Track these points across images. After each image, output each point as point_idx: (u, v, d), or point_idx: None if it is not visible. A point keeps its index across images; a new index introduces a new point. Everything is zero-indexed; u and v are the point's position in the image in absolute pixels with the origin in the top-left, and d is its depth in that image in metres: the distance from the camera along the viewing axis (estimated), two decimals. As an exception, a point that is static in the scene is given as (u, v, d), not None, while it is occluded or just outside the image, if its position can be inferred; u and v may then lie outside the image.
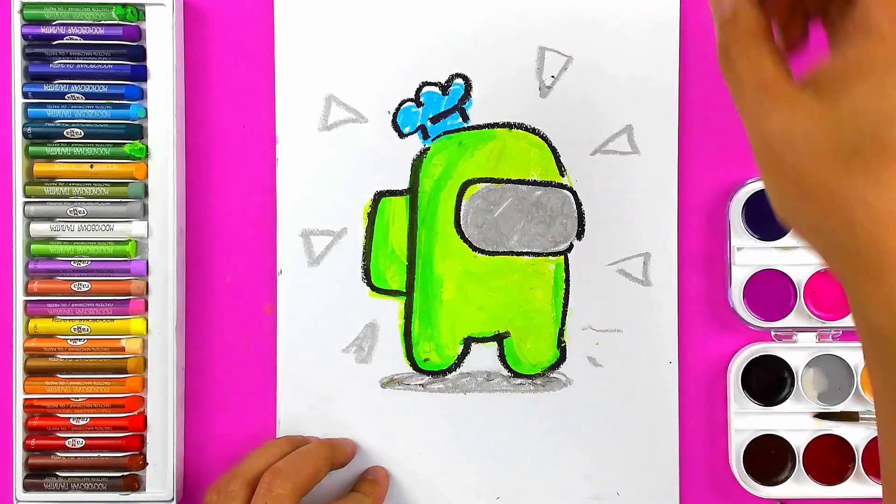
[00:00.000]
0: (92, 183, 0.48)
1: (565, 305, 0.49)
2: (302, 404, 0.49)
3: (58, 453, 0.48)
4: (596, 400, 0.49)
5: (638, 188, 0.49)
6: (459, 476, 0.49)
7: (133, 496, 0.48)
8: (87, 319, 0.48)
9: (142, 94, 0.48)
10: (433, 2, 0.49)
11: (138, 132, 0.48)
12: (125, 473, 0.48)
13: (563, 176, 0.49)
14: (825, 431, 0.48)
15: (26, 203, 0.48)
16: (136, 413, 0.48)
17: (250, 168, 0.50)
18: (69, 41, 0.48)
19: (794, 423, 0.49)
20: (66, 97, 0.48)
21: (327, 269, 0.49)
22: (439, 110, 0.49)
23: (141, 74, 0.48)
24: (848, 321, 0.48)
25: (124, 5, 0.48)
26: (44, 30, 0.48)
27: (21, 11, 0.47)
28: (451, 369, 0.49)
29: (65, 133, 0.48)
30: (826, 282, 0.48)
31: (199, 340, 0.50)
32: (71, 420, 0.48)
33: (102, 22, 0.48)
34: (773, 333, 0.49)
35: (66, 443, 0.48)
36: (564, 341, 0.49)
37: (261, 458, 0.44)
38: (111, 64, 0.48)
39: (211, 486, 0.44)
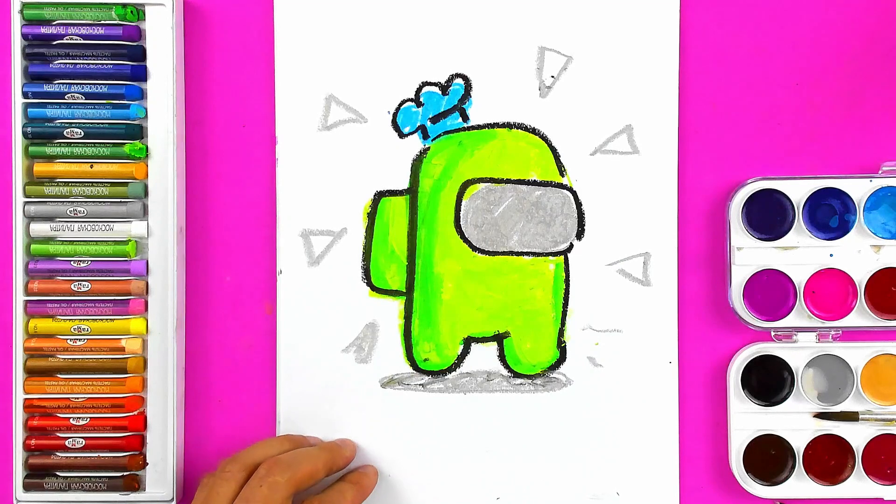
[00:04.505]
0: (92, 183, 0.48)
1: (565, 305, 0.49)
2: (302, 404, 0.49)
3: (58, 453, 0.48)
4: (596, 400, 0.49)
5: (638, 188, 0.49)
6: (459, 476, 0.49)
7: (133, 496, 0.48)
8: (87, 319, 0.48)
9: (142, 94, 0.48)
10: (433, 2, 0.49)
11: (138, 132, 0.48)
12: (125, 473, 0.48)
13: (562, 176, 0.49)
14: (825, 431, 0.48)
15: (26, 203, 0.48)
16: (136, 413, 0.48)
17: (250, 168, 0.50)
18: (69, 41, 0.48)
19: (794, 422, 0.49)
20: (66, 97, 0.48)
21: (327, 269, 0.49)
22: (439, 110, 0.49)
23: (141, 74, 0.48)
24: (848, 321, 0.48)
25: (124, 5, 0.48)
26: (44, 30, 0.48)
27: (21, 11, 0.47)
28: (451, 369, 0.49)
29: (65, 133, 0.48)
30: (826, 282, 0.48)
31: (199, 340, 0.50)
32: (71, 420, 0.48)
33: (102, 22, 0.48)
34: (773, 333, 0.49)
35: (66, 443, 0.48)
36: (564, 341, 0.49)
37: (261, 449, 0.44)
38: (111, 64, 0.48)
39: (207, 473, 0.44)
